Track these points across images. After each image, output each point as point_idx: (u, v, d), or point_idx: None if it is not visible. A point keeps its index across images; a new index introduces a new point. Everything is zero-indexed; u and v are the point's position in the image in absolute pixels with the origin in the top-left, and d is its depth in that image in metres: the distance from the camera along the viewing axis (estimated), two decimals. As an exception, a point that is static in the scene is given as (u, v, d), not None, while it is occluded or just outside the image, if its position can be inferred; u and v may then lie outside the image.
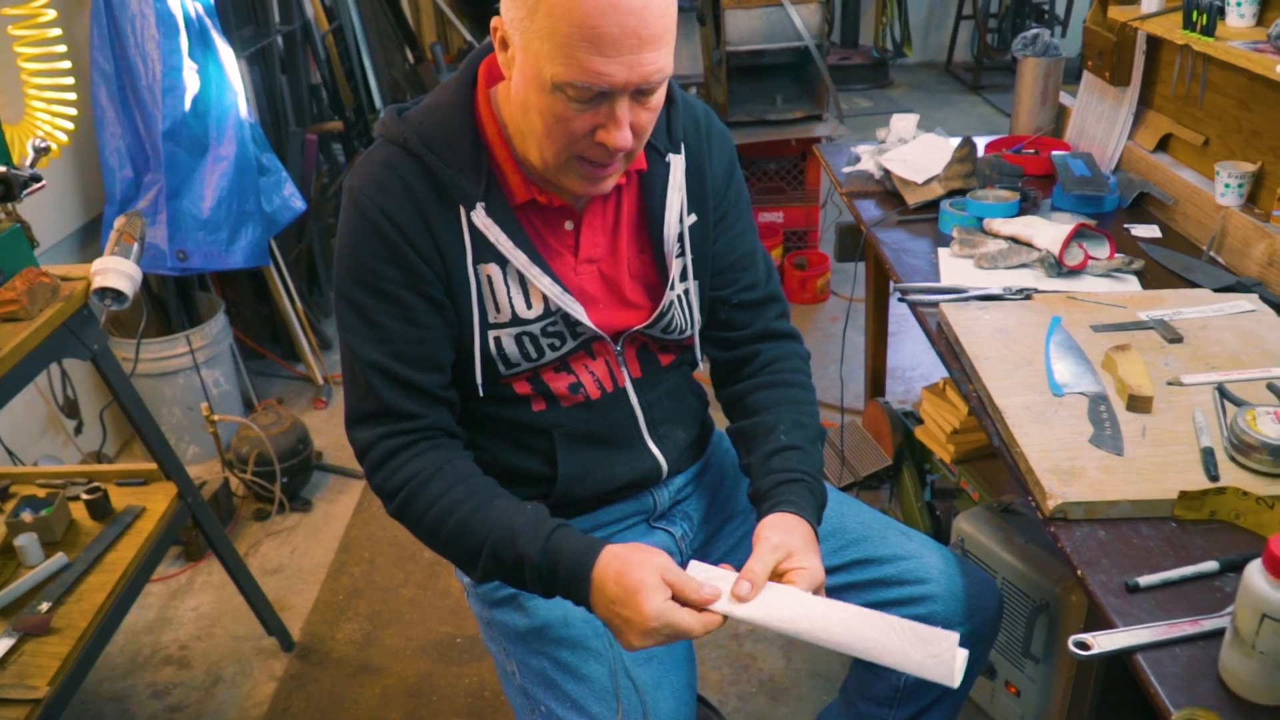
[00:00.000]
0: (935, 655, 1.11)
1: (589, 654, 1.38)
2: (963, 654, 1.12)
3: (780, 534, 1.24)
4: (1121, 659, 1.11)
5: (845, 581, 1.48)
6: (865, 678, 1.60)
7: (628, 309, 1.38)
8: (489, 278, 1.29)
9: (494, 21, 1.18)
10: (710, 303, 1.46)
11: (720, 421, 1.58)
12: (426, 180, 1.26)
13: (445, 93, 1.29)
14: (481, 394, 1.35)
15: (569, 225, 1.34)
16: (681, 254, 1.39)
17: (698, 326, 1.45)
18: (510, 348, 1.32)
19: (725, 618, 1.17)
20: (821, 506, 1.35)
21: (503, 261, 1.29)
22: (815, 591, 1.21)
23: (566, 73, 1.10)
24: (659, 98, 1.19)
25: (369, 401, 1.31)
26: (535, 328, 1.32)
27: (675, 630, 1.15)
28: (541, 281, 1.29)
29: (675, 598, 1.16)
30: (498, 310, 1.31)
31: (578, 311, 1.32)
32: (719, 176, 1.42)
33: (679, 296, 1.40)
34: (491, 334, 1.31)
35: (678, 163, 1.36)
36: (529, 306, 1.31)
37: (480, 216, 1.26)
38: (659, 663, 1.41)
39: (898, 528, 1.54)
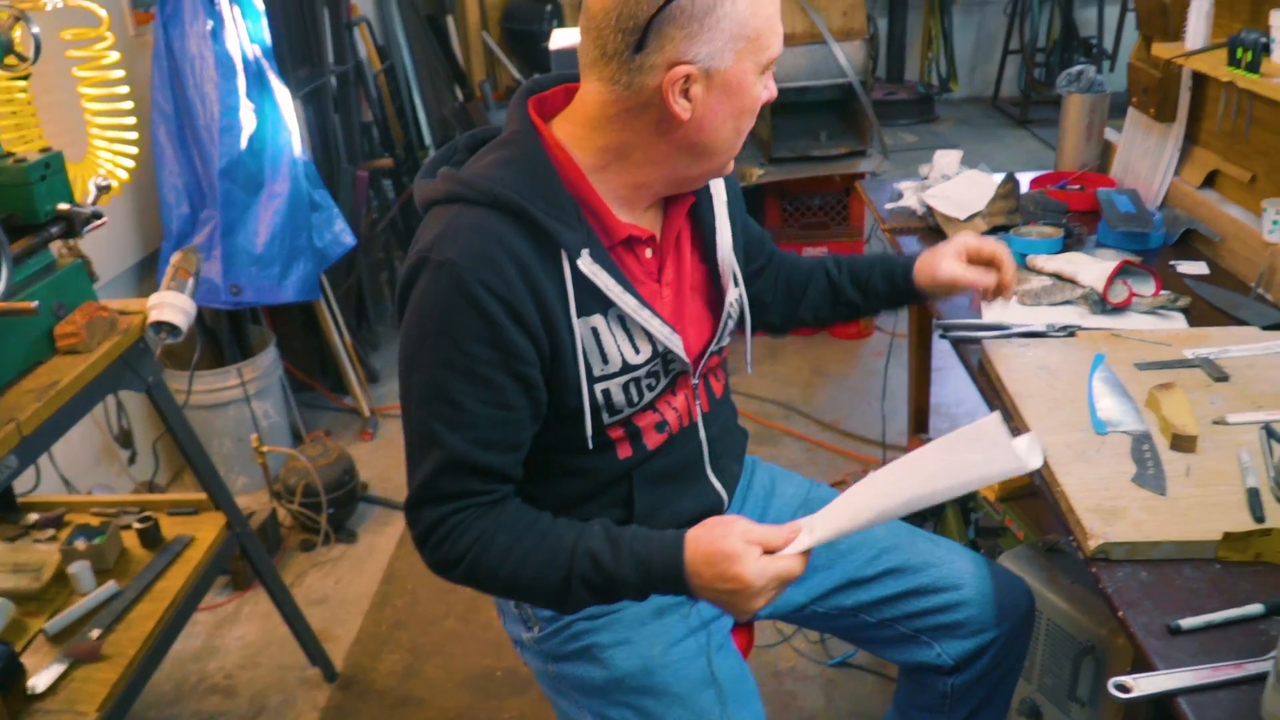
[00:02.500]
0: (993, 445, 1.09)
1: (673, 699, 1.38)
2: (1023, 437, 1.10)
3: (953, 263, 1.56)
4: (1165, 702, 1.10)
5: (880, 595, 1.52)
6: (912, 688, 1.62)
7: (700, 327, 1.40)
8: (594, 329, 1.26)
9: (666, 80, 1.15)
10: (753, 276, 1.59)
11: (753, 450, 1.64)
12: (525, 236, 1.20)
13: (513, 145, 1.25)
14: (590, 446, 1.32)
15: (649, 253, 1.33)
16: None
17: (748, 326, 1.49)
18: (618, 396, 1.30)
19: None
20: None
21: (605, 308, 1.26)
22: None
23: (775, 46, 1.20)
24: None
25: (436, 488, 1.26)
26: (642, 371, 1.31)
27: (782, 577, 1.16)
28: (652, 325, 1.28)
29: (766, 552, 1.17)
30: (605, 361, 1.27)
31: (678, 346, 1.31)
32: (732, 187, 1.48)
33: (735, 299, 1.43)
34: (599, 386, 1.28)
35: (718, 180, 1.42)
36: (636, 351, 1.29)
37: (587, 263, 1.22)
38: (734, 700, 1.41)
39: (924, 534, 1.58)
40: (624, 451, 1.36)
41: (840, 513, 1.16)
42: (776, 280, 1.66)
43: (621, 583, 1.22)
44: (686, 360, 1.34)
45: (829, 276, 1.65)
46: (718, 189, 1.41)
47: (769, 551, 1.17)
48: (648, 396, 1.33)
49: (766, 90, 1.24)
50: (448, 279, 1.17)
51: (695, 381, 1.40)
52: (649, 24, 1.12)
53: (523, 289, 1.19)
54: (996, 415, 1.10)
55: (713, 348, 1.41)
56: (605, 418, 1.31)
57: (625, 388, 1.30)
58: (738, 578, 1.15)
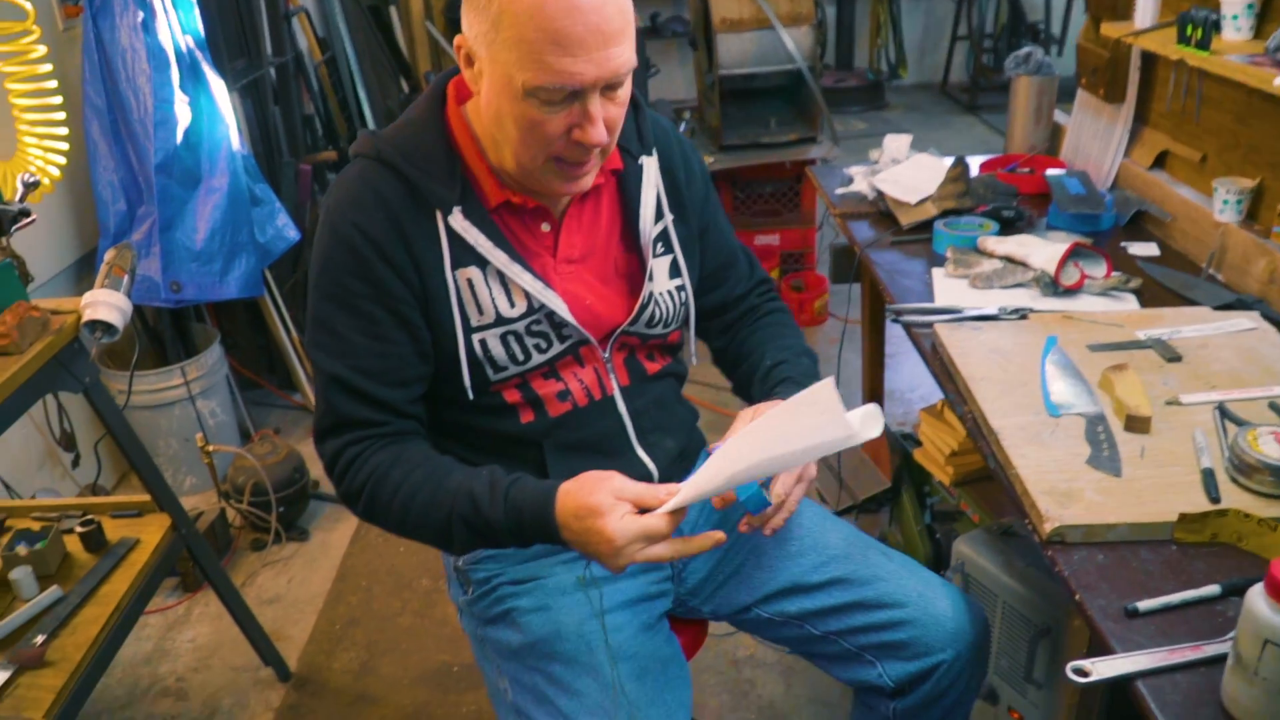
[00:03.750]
0: (824, 412, 1.09)
1: (582, 669, 1.37)
2: (857, 411, 1.13)
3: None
4: (1123, 685, 1.09)
5: (827, 604, 1.48)
6: (861, 711, 1.59)
7: (610, 307, 1.41)
8: (469, 281, 1.32)
9: (457, 40, 1.23)
10: (707, 306, 1.56)
11: (710, 437, 1.58)
12: (401, 190, 1.28)
13: (415, 110, 1.33)
14: (471, 398, 1.36)
15: (546, 227, 1.37)
16: (669, 252, 1.45)
17: (691, 320, 1.50)
18: (497, 349, 1.34)
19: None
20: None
21: (482, 263, 1.31)
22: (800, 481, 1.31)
23: (538, 77, 1.14)
24: (626, 91, 1.23)
25: (331, 415, 1.33)
26: (520, 325, 1.34)
27: (647, 535, 1.15)
28: (522, 279, 1.32)
29: (639, 510, 1.17)
30: (480, 312, 1.33)
31: (559, 306, 1.34)
32: (697, 185, 1.49)
33: (667, 292, 1.44)
34: (476, 336, 1.33)
35: (651, 163, 1.43)
36: (512, 305, 1.33)
37: (458, 220, 1.29)
38: (653, 680, 1.39)
39: (879, 548, 1.54)
40: (526, 416, 1.40)
41: (703, 475, 1.16)
42: (729, 335, 1.62)
43: (496, 525, 1.24)
44: (578, 326, 1.36)
45: (750, 362, 1.56)
46: (649, 178, 1.42)
47: (642, 510, 1.17)
48: (536, 357, 1.36)
49: (557, 118, 1.18)
50: (327, 219, 1.30)
51: (606, 355, 1.42)
52: None
53: (392, 233, 1.27)
54: (829, 382, 1.10)
55: (624, 328, 1.41)
56: (489, 372, 1.35)
57: (504, 340, 1.34)
58: (600, 532, 1.15)
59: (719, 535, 1.18)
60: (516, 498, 1.23)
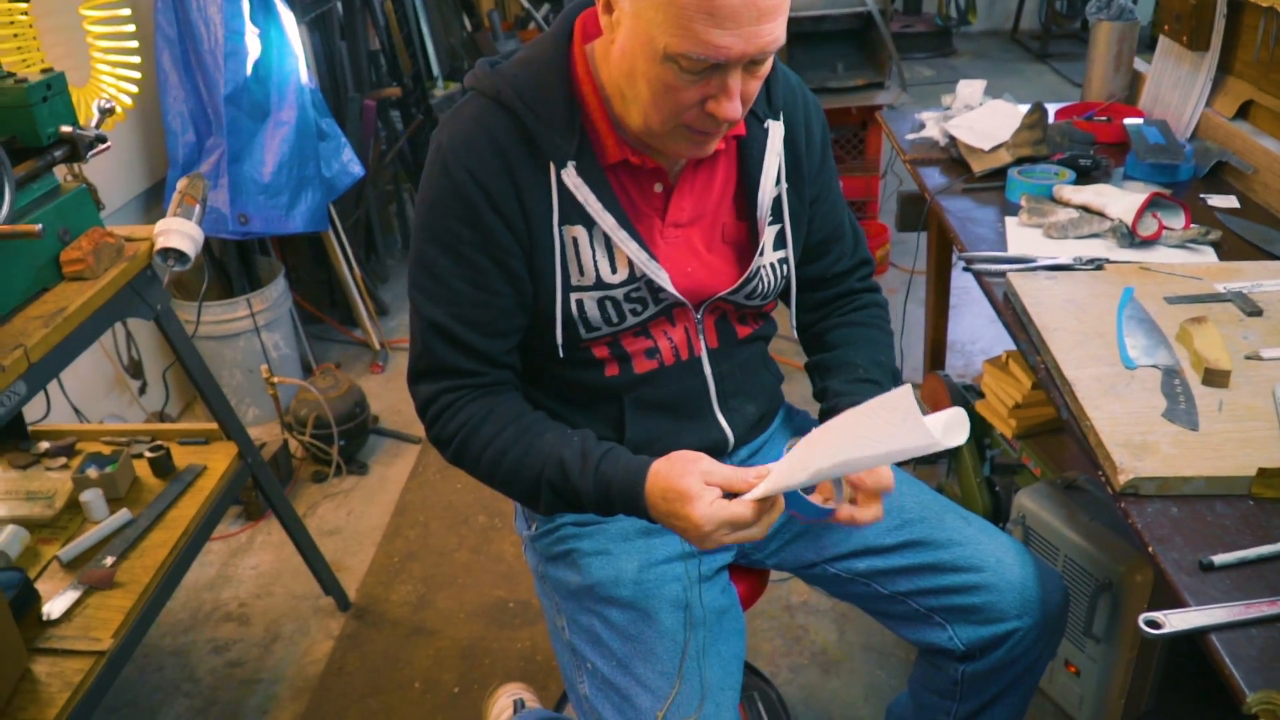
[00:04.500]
0: (904, 420, 1.06)
1: (637, 615, 1.38)
2: (938, 416, 1.07)
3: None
4: (1187, 640, 1.08)
5: (899, 564, 1.46)
6: (926, 670, 1.57)
7: (714, 275, 1.37)
8: (574, 239, 1.28)
9: None
10: (804, 278, 1.49)
11: (793, 396, 1.56)
12: (517, 136, 1.24)
13: (540, 46, 1.27)
14: (562, 355, 1.34)
15: (658, 188, 1.32)
16: (777, 221, 1.39)
17: (792, 294, 1.45)
18: (592, 311, 1.31)
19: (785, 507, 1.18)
20: None
21: (589, 223, 1.28)
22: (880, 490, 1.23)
23: (682, 44, 1.08)
24: (768, 65, 1.18)
25: (427, 358, 1.32)
26: (619, 292, 1.31)
27: (733, 522, 1.15)
28: (629, 246, 1.28)
29: (729, 495, 1.16)
30: (581, 273, 1.30)
31: (662, 278, 1.30)
32: (815, 152, 1.42)
33: (770, 265, 1.39)
34: (574, 296, 1.30)
35: (776, 129, 1.35)
36: (614, 271, 1.30)
37: (571, 176, 1.25)
38: (708, 630, 1.40)
39: (957, 511, 1.50)
40: (611, 370, 1.38)
41: (784, 468, 1.15)
42: (817, 314, 1.55)
43: (584, 496, 1.25)
44: (677, 294, 1.33)
45: (841, 360, 1.47)
46: (772, 146, 1.35)
47: (730, 494, 1.16)
48: (630, 320, 1.34)
49: (694, 88, 1.13)
50: (439, 160, 1.26)
51: (699, 318, 1.39)
52: None
53: (505, 182, 1.24)
54: (906, 388, 1.07)
55: (725, 294, 1.37)
56: (582, 331, 1.33)
57: (601, 304, 1.31)
58: (688, 517, 1.15)
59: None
60: (607, 471, 1.23)
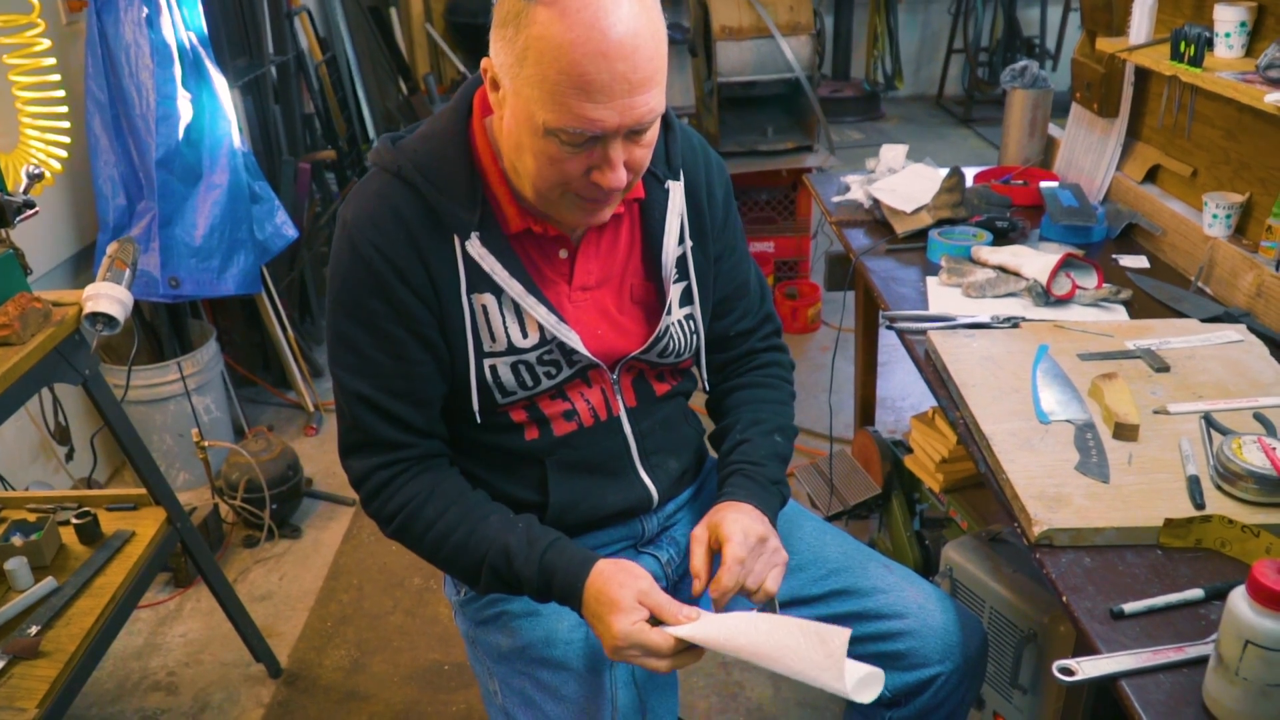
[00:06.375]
0: (828, 656, 1.15)
1: (570, 675, 1.39)
2: (861, 667, 1.16)
3: (701, 529, 1.33)
4: (1108, 686, 1.11)
5: (825, 613, 1.48)
6: (856, 718, 1.59)
7: (624, 336, 1.39)
8: (484, 307, 1.30)
9: (484, 63, 1.20)
10: (710, 337, 1.50)
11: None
12: (420, 209, 1.26)
13: (440, 121, 1.30)
14: (480, 421, 1.36)
15: (563, 254, 1.35)
16: (684, 279, 1.41)
17: (702, 351, 1.48)
18: (506, 375, 1.33)
19: (702, 653, 1.23)
20: (760, 482, 1.40)
21: (497, 291, 1.30)
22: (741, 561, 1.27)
23: (559, 119, 1.12)
24: (652, 134, 1.21)
25: (357, 432, 1.34)
26: (531, 356, 1.33)
27: (646, 647, 1.19)
28: (537, 311, 1.30)
29: (656, 621, 1.20)
30: (493, 339, 1.32)
31: (573, 340, 1.33)
32: (718, 209, 1.45)
33: (679, 321, 1.41)
34: (487, 362, 1.32)
35: (676, 189, 1.38)
36: (525, 335, 1.32)
37: (475, 246, 1.27)
38: (641, 688, 1.40)
39: (879, 560, 1.53)
40: (530, 434, 1.40)
41: (712, 629, 1.20)
42: (721, 376, 1.57)
43: (525, 582, 1.29)
44: (590, 356, 1.35)
45: (724, 429, 1.53)
46: (673, 206, 1.37)
47: (658, 621, 1.21)
48: (545, 383, 1.35)
49: (576, 159, 1.16)
50: (346, 237, 1.27)
51: (614, 378, 1.41)
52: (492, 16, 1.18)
53: (411, 255, 1.25)
54: (845, 633, 1.16)
55: (637, 354, 1.39)
56: (497, 396, 1.35)
57: (514, 368, 1.33)
58: (609, 626, 1.20)
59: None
60: (552, 561, 1.27)
